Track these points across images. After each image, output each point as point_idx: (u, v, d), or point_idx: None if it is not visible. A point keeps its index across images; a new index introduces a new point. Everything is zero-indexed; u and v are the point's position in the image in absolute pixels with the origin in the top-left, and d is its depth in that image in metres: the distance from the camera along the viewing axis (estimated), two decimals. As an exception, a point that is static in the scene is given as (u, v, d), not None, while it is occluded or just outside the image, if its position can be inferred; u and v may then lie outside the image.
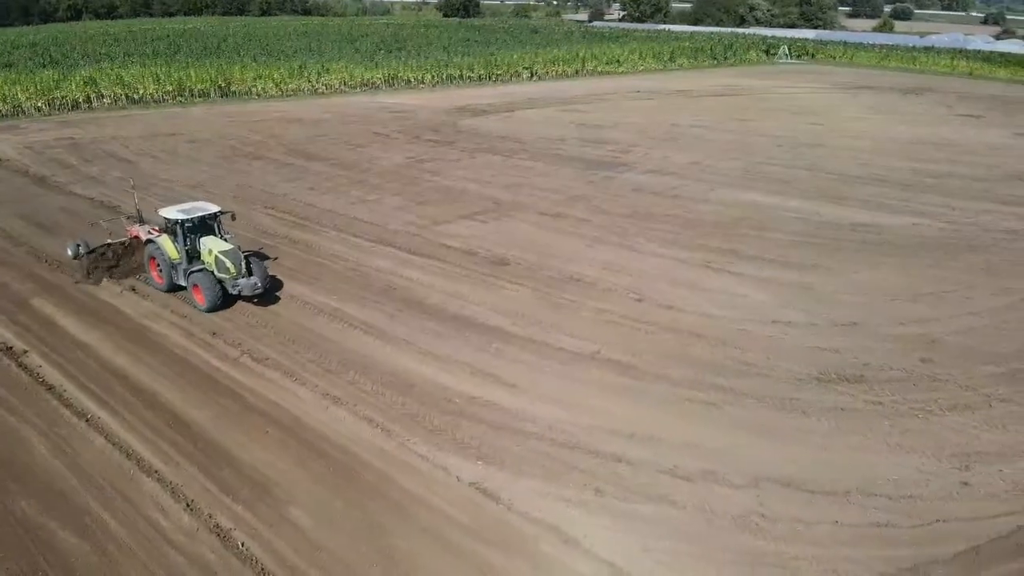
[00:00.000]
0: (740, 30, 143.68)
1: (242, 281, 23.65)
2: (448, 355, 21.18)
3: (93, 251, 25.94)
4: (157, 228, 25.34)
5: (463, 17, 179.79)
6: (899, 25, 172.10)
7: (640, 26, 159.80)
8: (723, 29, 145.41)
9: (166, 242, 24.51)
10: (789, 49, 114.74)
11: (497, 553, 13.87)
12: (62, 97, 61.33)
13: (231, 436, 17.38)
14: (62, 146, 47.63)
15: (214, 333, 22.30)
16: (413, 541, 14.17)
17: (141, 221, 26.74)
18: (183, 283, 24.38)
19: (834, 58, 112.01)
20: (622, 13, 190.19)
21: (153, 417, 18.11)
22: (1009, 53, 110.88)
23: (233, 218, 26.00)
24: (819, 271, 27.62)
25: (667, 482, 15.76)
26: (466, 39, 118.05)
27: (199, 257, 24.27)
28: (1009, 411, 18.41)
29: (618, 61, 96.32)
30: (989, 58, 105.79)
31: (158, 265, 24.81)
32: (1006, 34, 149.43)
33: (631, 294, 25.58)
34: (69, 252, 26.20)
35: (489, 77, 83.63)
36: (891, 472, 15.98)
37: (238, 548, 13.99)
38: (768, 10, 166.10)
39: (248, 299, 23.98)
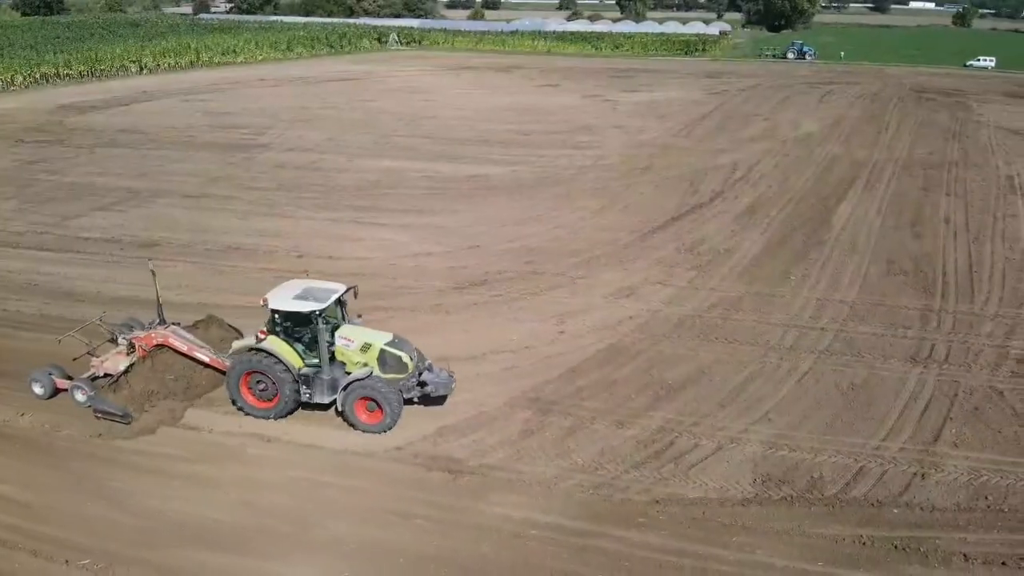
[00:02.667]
0: (351, 20, 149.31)
1: (429, 377, 17.56)
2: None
3: (110, 384, 17.63)
4: (264, 331, 17.56)
5: (47, 15, 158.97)
6: (489, 14, 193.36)
7: (250, 18, 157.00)
8: (335, 20, 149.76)
9: (282, 347, 17.26)
10: (399, 36, 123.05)
11: None
12: None
13: None
14: None
15: None
16: None
17: (163, 321, 19.30)
18: (324, 400, 17.27)
19: (438, 44, 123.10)
20: (229, 5, 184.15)
21: None
22: (577, 32, 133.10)
23: (356, 295, 18.27)
24: (446, 214, 32.93)
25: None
26: (56, 36, 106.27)
27: (333, 358, 17.41)
28: (585, 284, 25.17)
29: (235, 52, 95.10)
30: (562, 37, 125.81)
31: (261, 384, 17.23)
32: (575, 16, 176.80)
33: (292, 253, 28.13)
34: (36, 391, 17.98)
35: (92, 74, 77.19)
36: (512, 336, 21.25)
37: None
38: (375, 1, 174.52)
39: (434, 403, 17.85)
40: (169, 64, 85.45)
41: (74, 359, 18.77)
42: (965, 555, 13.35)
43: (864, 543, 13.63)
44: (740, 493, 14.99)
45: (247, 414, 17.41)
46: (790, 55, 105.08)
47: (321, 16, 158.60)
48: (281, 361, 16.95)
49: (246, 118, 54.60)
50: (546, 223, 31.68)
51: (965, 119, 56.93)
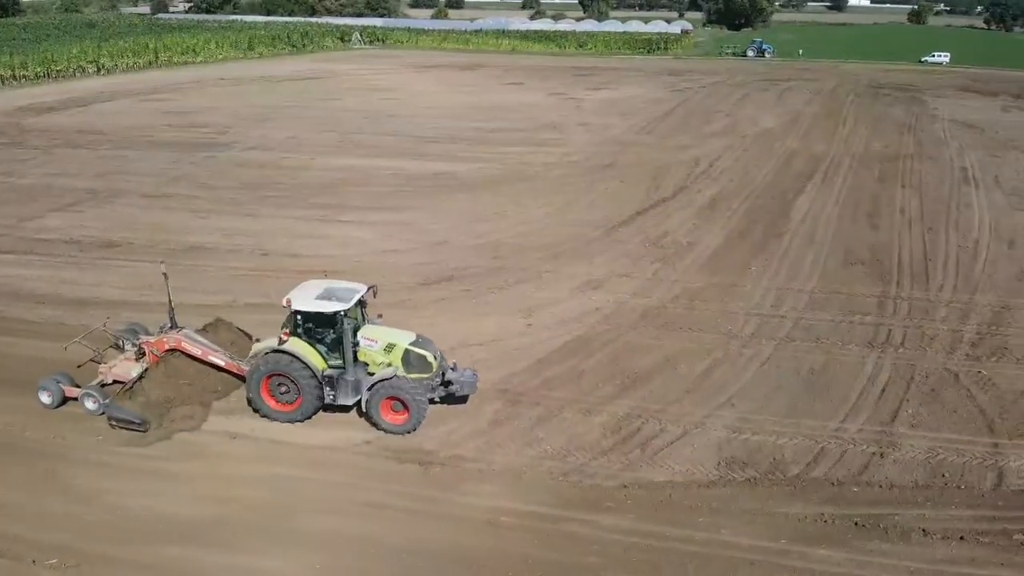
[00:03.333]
0: (313, 19, 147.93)
1: (454, 376, 17.38)
2: (73, 334, 21.31)
3: (124, 390, 16.96)
4: (287, 332, 17.05)
5: (1, 16, 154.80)
6: (453, 13, 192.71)
7: (210, 17, 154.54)
8: (297, 19, 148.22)
9: (305, 348, 16.89)
10: (361, 35, 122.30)
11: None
12: None
13: None
14: None
15: None
16: None
17: (174, 325, 18.69)
18: (348, 401, 17.04)
19: (401, 42, 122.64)
20: (188, 4, 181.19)
21: None
22: (541, 31, 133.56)
23: (375, 294, 18.04)
24: (412, 210, 32.93)
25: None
26: (12, 38, 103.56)
27: (355, 359, 17.03)
28: (552, 278, 25.43)
29: (194, 51, 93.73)
30: (526, 36, 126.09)
31: (282, 387, 16.89)
32: (538, 15, 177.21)
33: (256, 251, 27.93)
34: (44, 400, 17.40)
35: (48, 75, 75.52)
36: (480, 329, 21.42)
37: None
38: (337, 0, 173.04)
39: (457, 402, 17.74)
40: (127, 64, 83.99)
41: (78, 366, 18.35)
42: (924, 530, 13.81)
43: (826, 521, 14.04)
44: (705, 476, 15.34)
45: (266, 417, 16.99)
46: (750, 53, 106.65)
47: (282, 15, 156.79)
48: (305, 363, 16.57)
49: (207, 117, 53.92)
50: (512, 219, 31.86)
51: (920, 113, 58.41)
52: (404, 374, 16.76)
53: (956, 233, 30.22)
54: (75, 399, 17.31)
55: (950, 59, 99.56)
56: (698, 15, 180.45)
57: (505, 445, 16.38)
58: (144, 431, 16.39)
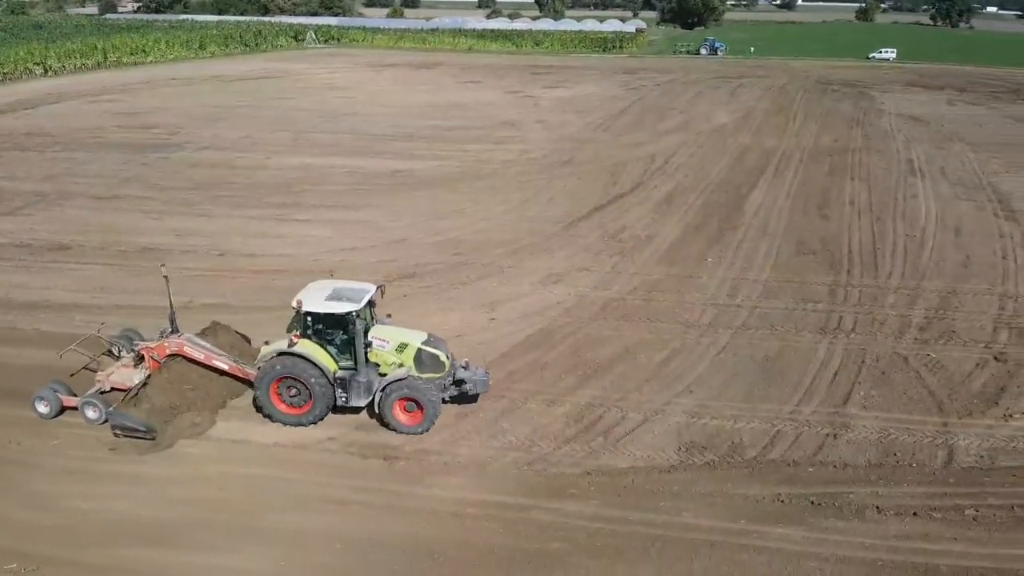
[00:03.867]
0: (266, 18, 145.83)
1: (467, 375, 17.17)
2: (27, 339, 20.88)
3: (127, 397, 16.48)
4: (297, 334, 16.57)
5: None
6: (408, 12, 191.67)
7: (160, 16, 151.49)
8: (249, 18, 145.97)
9: (316, 350, 16.54)
10: (316, 34, 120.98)
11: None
12: None
13: None
14: None
15: None
16: None
17: (175, 329, 18.07)
18: (361, 403, 16.75)
19: (357, 41, 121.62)
20: (137, 4, 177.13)
21: None
22: (497, 30, 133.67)
23: (383, 294, 17.76)
24: (370, 209, 32.77)
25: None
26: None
27: (367, 360, 16.75)
28: (513, 273, 25.56)
29: (144, 51, 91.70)
30: (483, 35, 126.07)
31: (292, 390, 16.56)
32: (494, 14, 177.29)
33: (211, 251, 27.52)
34: (41, 410, 16.73)
35: (-8, 76, 73.27)
36: (443, 325, 21.24)
37: None
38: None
39: (467, 401, 17.55)
40: (75, 65, 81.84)
41: (71, 375, 17.82)
42: (878, 507, 14.26)
43: (783, 501, 14.42)
44: (666, 461, 15.63)
45: (275, 422, 16.59)
46: (703, 51, 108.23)
47: (234, 14, 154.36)
48: (316, 365, 16.26)
49: (158, 118, 52.83)
50: (472, 216, 31.91)
51: (868, 108, 59.95)
52: (417, 374, 16.56)
53: (903, 223, 31.14)
54: (74, 408, 16.71)
55: (897, 55, 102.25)
56: (652, 14, 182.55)
57: (470, 438, 16.46)
58: (151, 439, 15.95)
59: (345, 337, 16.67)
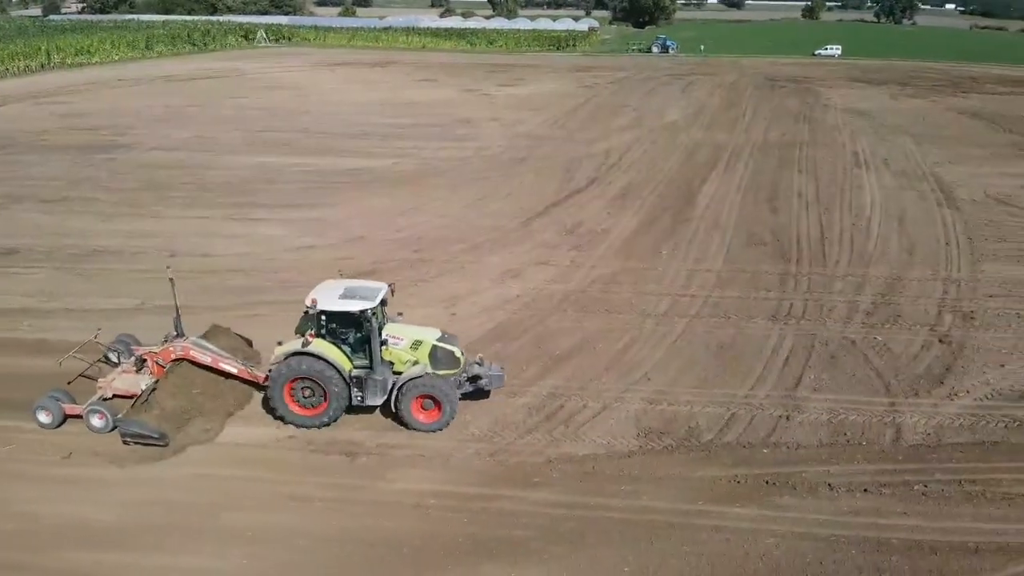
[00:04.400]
0: (214, 18, 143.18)
1: (482, 371, 17.11)
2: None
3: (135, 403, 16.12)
4: (312, 334, 16.40)
5: None
6: (361, 11, 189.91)
7: (105, 17, 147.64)
8: (197, 17, 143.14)
9: (331, 350, 16.33)
10: (267, 33, 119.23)
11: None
12: None
13: None
14: None
15: None
16: None
17: (180, 333, 17.71)
18: (377, 402, 16.59)
19: (309, 40, 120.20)
20: (82, 5, 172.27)
21: None
22: (451, 28, 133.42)
23: (393, 292, 17.72)
24: (326, 207, 32.54)
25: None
26: None
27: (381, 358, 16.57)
28: (473, 269, 25.71)
29: (89, 52, 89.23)
30: (437, 33, 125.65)
31: (307, 391, 16.33)
32: (448, 13, 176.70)
33: (163, 252, 27.02)
34: (43, 420, 16.23)
35: (-68, 80, 70.63)
36: (404, 320, 21.32)
37: None
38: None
39: (480, 397, 17.51)
40: (19, 67, 79.20)
41: (68, 383, 17.39)
42: (830, 485, 14.75)
43: (739, 481, 14.84)
44: (625, 446, 15.94)
45: (288, 423, 16.41)
46: (655, 49, 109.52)
47: (181, 14, 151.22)
48: (332, 365, 16.09)
49: (106, 119, 51.54)
50: (430, 213, 31.90)
51: (814, 103, 61.43)
52: (432, 371, 16.52)
53: (850, 213, 32.08)
54: (78, 417, 16.26)
55: (842, 52, 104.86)
56: (604, 13, 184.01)
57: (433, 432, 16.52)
58: (164, 445, 15.61)
59: (360, 336, 16.51)
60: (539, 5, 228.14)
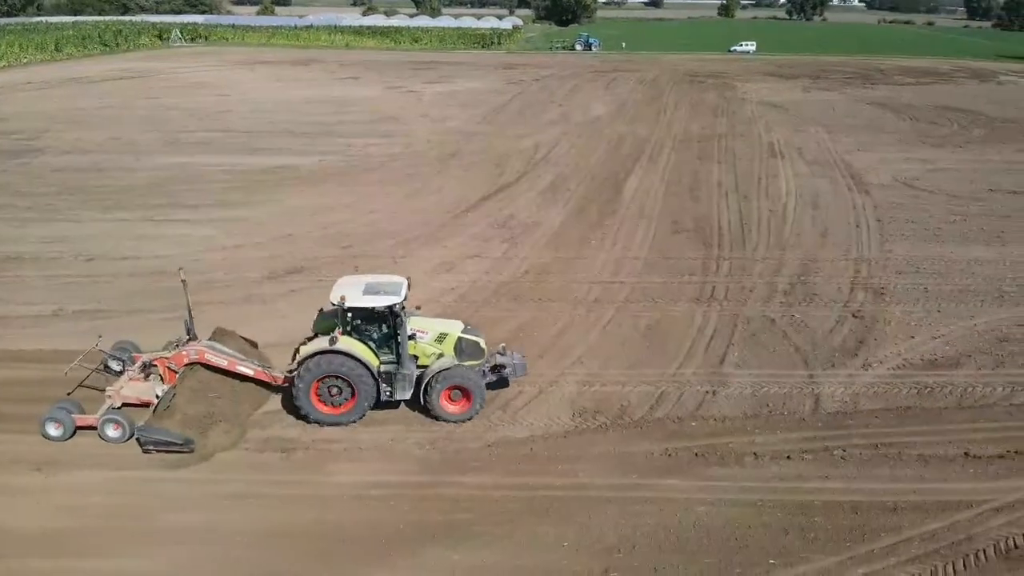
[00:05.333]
0: (126, 17, 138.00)
1: (505, 360, 17.18)
2: None
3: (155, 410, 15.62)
4: (340, 331, 16.13)
5: None
6: (280, 9, 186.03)
7: (11, 20, 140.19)
8: (108, 17, 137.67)
9: (358, 346, 16.03)
10: (182, 33, 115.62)
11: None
12: None
13: None
14: None
15: None
16: None
17: (192, 336, 17.24)
18: (406, 396, 16.44)
19: (227, 39, 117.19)
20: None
21: None
22: (375, 26, 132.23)
23: (409, 287, 17.17)
24: (251, 206, 31.98)
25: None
26: None
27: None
28: (405, 263, 25.60)
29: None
30: (360, 32, 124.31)
31: (334, 389, 16.06)
32: (370, 11, 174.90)
33: (80, 257, 26.13)
34: (52, 432, 15.45)
35: None
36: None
37: None
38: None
39: (500, 386, 17.55)
40: (-84, 72, 74.61)
41: (68, 393, 16.58)
42: (755, 454, 15.48)
43: (671, 454, 15.43)
44: (561, 427, 16.36)
45: (312, 422, 16.21)
46: (578, 46, 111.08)
47: (91, 14, 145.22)
48: (361, 361, 15.93)
49: (14, 123, 49.12)
50: (360, 209, 31.73)
51: (731, 97, 63.54)
52: (458, 362, 16.62)
53: (767, 200, 33.44)
54: (92, 427, 15.58)
55: (756, 48, 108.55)
56: (527, 12, 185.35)
57: (371, 424, 16.53)
58: (189, 451, 15.14)
59: (386, 331, 16.45)
60: (463, 4, 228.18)
